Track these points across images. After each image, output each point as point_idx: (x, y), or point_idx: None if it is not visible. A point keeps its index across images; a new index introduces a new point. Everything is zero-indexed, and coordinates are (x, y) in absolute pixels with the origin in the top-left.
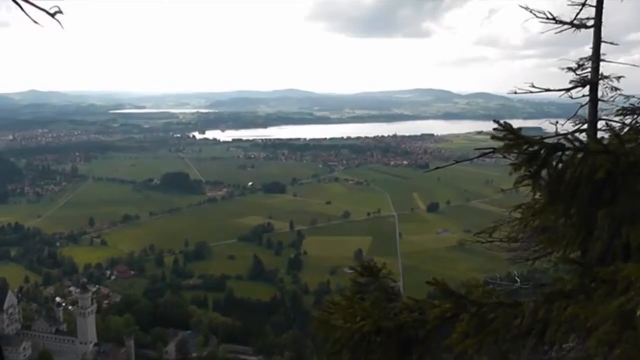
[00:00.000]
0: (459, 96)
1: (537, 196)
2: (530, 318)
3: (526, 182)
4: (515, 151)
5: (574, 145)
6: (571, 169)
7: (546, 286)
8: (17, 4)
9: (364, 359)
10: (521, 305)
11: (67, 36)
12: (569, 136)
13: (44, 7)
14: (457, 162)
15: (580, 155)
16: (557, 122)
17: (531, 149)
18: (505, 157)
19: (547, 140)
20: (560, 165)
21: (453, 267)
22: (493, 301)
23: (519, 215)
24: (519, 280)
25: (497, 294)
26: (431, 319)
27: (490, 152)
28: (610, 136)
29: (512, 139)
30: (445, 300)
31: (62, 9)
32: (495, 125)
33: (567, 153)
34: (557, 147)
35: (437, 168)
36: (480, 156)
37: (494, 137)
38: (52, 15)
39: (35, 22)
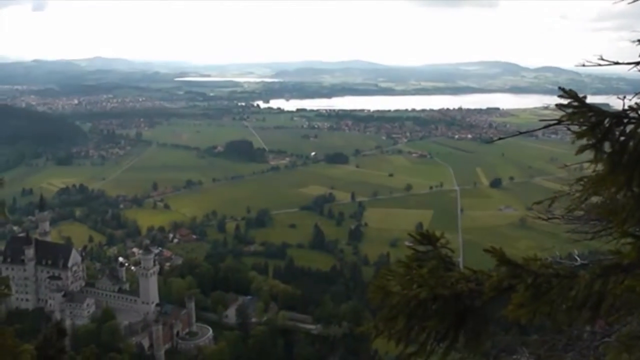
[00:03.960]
0: (527, 69)
1: (599, 167)
2: (585, 290)
3: (588, 152)
4: (580, 119)
5: (639, 115)
6: (635, 139)
7: (604, 260)
8: None
9: (419, 326)
10: (577, 277)
11: (133, 5)
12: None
13: None
14: (520, 133)
15: None
16: (625, 97)
17: (595, 118)
18: (569, 129)
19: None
20: (624, 136)
21: (513, 244)
22: (549, 271)
23: (579, 188)
24: (578, 259)
25: (555, 267)
26: (487, 289)
27: (554, 123)
28: None
29: (576, 107)
30: (501, 268)
31: None
32: (565, 101)
33: (631, 123)
34: (622, 116)
35: (500, 138)
36: (544, 127)
37: (558, 105)
38: None
39: None
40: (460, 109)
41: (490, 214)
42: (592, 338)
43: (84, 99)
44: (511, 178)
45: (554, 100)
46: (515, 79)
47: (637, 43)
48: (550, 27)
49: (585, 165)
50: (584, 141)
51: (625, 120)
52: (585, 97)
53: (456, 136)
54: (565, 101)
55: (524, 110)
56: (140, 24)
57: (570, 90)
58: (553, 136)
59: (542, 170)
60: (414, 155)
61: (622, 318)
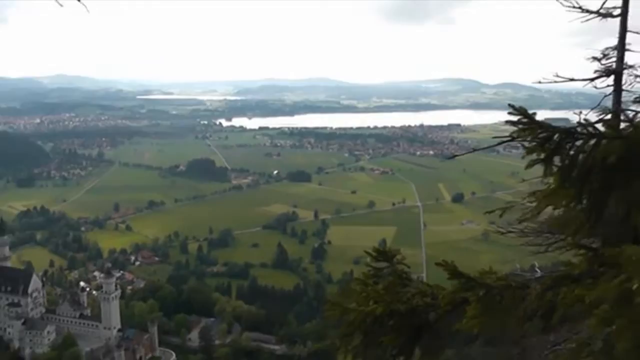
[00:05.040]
0: (487, 86)
1: (549, 181)
2: (537, 301)
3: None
4: (529, 135)
5: (587, 131)
6: (584, 154)
7: (556, 271)
8: None
9: (375, 341)
10: (529, 289)
11: (95, 22)
12: (583, 121)
13: None
14: (475, 150)
15: (593, 141)
16: (581, 112)
17: (544, 134)
18: (523, 145)
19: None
20: (573, 151)
21: (476, 258)
22: (502, 284)
23: (532, 201)
24: (538, 272)
25: (508, 279)
26: (442, 303)
27: (507, 140)
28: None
29: (525, 123)
30: (455, 282)
31: None
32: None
33: (581, 138)
34: (570, 132)
35: (456, 155)
36: (498, 144)
37: (508, 122)
38: None
39: (60, 4)
40: (421, 126)
41: (453, 228)
42: (544, 347)
43: (46, 118)
44: (473, 193)
45: (509, 116)
46: (475, 95)
47: (592, 60)
48: (510, 43)
49: (545, 179)
50: (533, 156)
51: (575, 136)
52: (535, 113)
53: (418, 152)
54: (515, 118)
55: (485, 126)
56: (103, 42)
57: (520, 107)
58: (514, 151)
59: (503, 185)
60: (376, 172)
61: (573, 327)
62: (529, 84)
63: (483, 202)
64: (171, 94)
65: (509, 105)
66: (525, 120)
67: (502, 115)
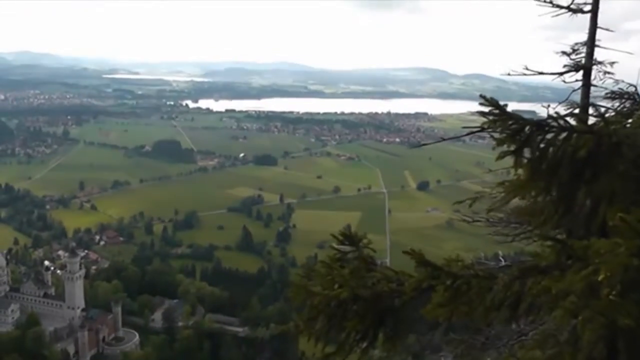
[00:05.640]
0: (455, 76)
1: (519, 172)
2: (503, 291)
3: (510, 158)
4: (500, 127)
5: (559, 124)
6: (554, 147)
7: (523, 262)
8: None
9: (339, 326)
10: (496, 278)
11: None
12: (553, 115)
13: None
14: (444, 140)
15: (564, 134)
16: (549, 106)
17: (515, 126)
18: (492, 136)
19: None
20: (544, 144)
21: (440, 246)
22: (469, 273)
23: (500, 191)
24: (503, 260)
25: (475, 268)
26: (408, 289)
27: (477, 130)
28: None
29: (497, 115)
30: (421, 270)
31: None
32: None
33: (551, 131)
34: (541, 125)
35: (424, 144)
36: (468, 134)
37: (480, 112)
38: None
39: None
40: (389, 113)
41: (418, 215)
42: (509, 337)
43: (10, 95)
44: (438, 181)
45: (480, 107)
46: (443, 85)
47: (561, 54)
48: (481, 34)
49: (512, 170)
50: (504, 147)
51: (546, 129)
52: (506, 105)
53: (384, 140)
54: (486, 109)
55: (451, 115)
56: (69, 20)
57: (491, 98)
58: (480, 141)
59: (469, 174)
60: (342, 157)
61: (539, 317)
62: (497, 76)
63: (448, 190)
64: (137, 73)
65: (481, 96)
66: (496, 111)
67: (470, 106)
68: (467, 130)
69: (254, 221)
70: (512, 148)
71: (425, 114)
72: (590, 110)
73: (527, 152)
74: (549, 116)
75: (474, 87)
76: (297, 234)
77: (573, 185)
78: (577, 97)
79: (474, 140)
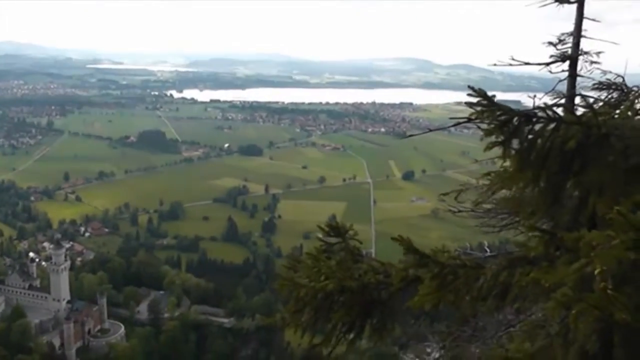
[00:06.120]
0: (440, 66)
1: (506, 163)
2: (491, 280)
3: (496, 148)
4: (488, 117)
5: (547, 115)
6: (543, 138)
7: (511, 252)
8: None
9: (326, 318)
10: (484, 268)
11: None
12: (541, 105)
13: None
14: (431, 130)
15: (552, 125)
16: (535, 96)
17: (503, 116)
18: (478, 127)
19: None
20: (532, 134)
21: (426, 235)
22: (456, 262)
23: (486, 182)
24: (488, 250)
25: (462, 258)
26: (395, 280)
27: (464, 121)
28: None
29: (485, 105)
30: (409, 257)
31: None
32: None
33: (540, 122)
34: (530, 116)
35: (411, 135)
36: (455, 125)
37: (467, 103)
38: None
39: None
40: (374, 103)
41: (403, 205)
42: (496, 328)
43: None
44: (423, 171)
45: (465, 97)
46: (428, 75)
47: (547, 45)
48: (465, 23)
49: (497, 160)
50: (492, 138)
51: (534, 119)
52: (494, 96)
53: (369, 129)
54: (474, 99)
55: (437, 105)
56: (53, 10)
57: (479, 89)
58: (465, 131)
59: (454, 164)
60: (327, 148)
61: (527, 308)
62: (482, 66)
63: (433, 180)
64: (121, 63)
65: (469, 86)
66: (484, 102)
67: (455, 95)
68: (454, 121)
69: (239, 212)
70: (501, 139)
71: (410, 104)
72: (577, 101)
73: (515, 143)
74: (537, 107)
75: (459, 77)
76: (282, 224)
77: (561, 176)
78: (563, 87)
79: (459, 130)
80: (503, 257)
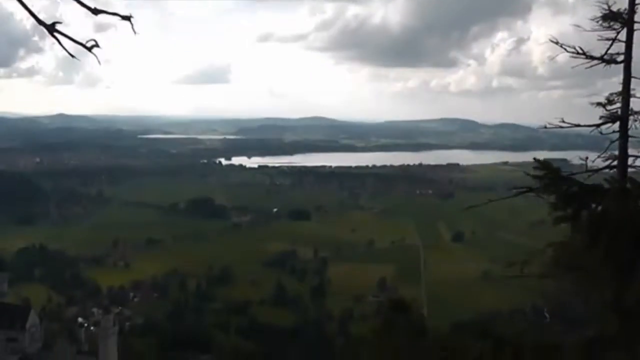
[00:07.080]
0: (485, 126)
1: (573, 235)
2: None
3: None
4: (554, 192)
5: (614, 188)
6: (612, 213)
7: (582, 327)
8: (55, 38)
9: None
10: (560, 349)
11: (91, 60)
12: (608, 177)
13: (81, 41)
14: (491, 201)
15: (622, 198)
16: (587, 158)
17: (569, 190)
18: (539, 196)
19: (584, 181)
20: (600, 207)
21: (477, 298)
22: (531, 343)
23: (550, 252)
24: (547, 316)
25: (533, 334)
26: None
27: (525, 191)
28: None
29: (550, 178)
30: (484, 340)
31: (99, 43)
32: (523, 156)
33: (607, 195)
34: (596, 189)
35: (471, 207)
36: (517, 194)
37: (534, 176)
38: (89, 49)
39: (72, 56)
40: (420, 165)
41: (454, 267)
42: None
43: (46, 158)
44: (473, 232)
45: (512, 156)
46: (473, 135)
47: (595, 105)
48: (507, 84)
49: (546, 219)
50: (559, 213)
51: (600, 192)
52: (559, 168)
53: (417, 192)
54: (540, 172)
55: (483, 165)
56: (102, 79)
57: (544, 160)
58: (513, 190)
59: (504, 223)
60: (375, 210)
61: None
62: (526, 124)
63: (483, 241)
64: (171, 133)
65: (534, 159)
66: (550, 175)
67: (501, 155)
68: (517, 191)
69: (288, 276)
70: (569, 213)
71: (457, 164)
72: (630, 162)
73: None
74: (605, 179)
75: (504, 136)
76: (332, 288)
77: (635, 251)
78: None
79: (506, 188)
80: (580, 336)
